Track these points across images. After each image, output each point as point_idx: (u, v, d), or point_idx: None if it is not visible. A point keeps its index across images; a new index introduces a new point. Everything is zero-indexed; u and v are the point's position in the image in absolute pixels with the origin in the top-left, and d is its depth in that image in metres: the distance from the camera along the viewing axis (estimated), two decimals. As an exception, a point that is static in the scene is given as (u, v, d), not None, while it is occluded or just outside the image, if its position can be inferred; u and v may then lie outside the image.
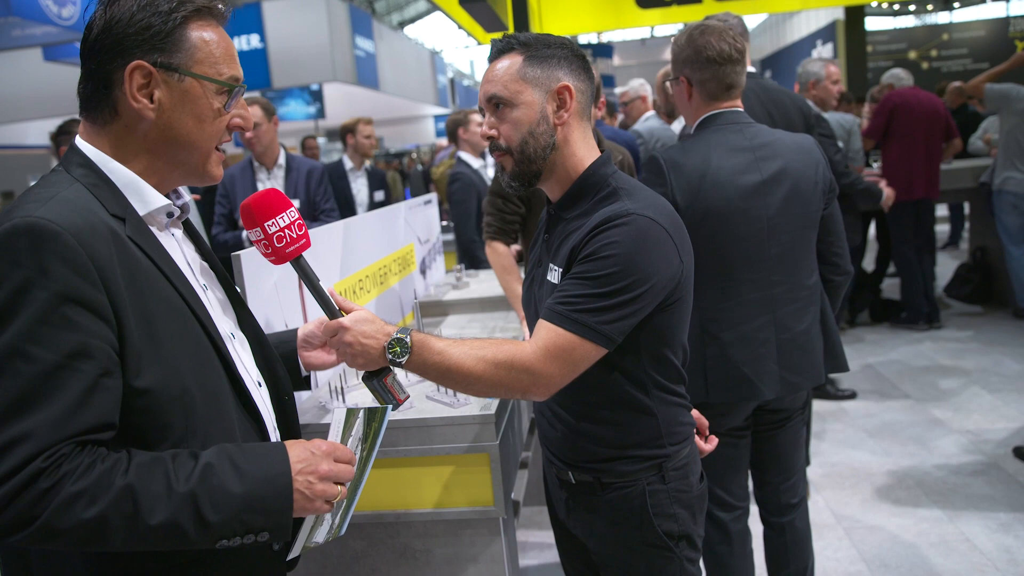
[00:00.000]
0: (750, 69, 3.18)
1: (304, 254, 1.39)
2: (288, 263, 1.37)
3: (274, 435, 1.33)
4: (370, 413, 1.30)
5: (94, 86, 1.16)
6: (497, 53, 1.56)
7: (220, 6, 1.23)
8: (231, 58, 1.23)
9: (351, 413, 1.30)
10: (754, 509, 2.46)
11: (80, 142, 1.19)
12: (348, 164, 5.46)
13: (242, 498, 1.07)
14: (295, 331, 1.60)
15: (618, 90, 5.87)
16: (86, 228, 1.05)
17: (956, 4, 21.86)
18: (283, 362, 1.47)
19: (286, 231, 1.33)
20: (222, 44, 1.21)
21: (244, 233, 3.82)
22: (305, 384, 1.62)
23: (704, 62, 2.17)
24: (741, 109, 2.22)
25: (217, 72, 1.19)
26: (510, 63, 1.53)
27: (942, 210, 8.98)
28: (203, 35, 1.19)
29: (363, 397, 2.09)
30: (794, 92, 3.69)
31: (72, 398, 1.00)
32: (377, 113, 21.84)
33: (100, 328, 1.03)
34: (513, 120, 1.52)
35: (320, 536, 1.23)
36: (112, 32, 1.14)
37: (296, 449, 1.16)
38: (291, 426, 1.39)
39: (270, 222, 1.32)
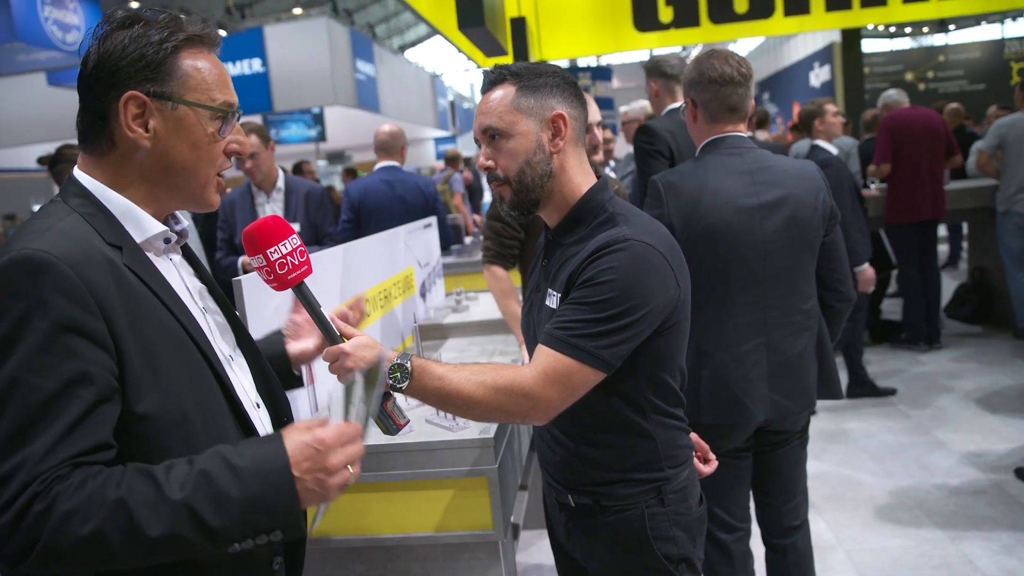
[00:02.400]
0: (675, 105, 3.37)
1: (305, 280, 1.40)
2: (289, 289, 1.39)
3: None
4: (368, 376, 1.27)
5: (91, 118, 1.18)
6: (490, 84, 1.59)
7: (211, 33, 1.25)
8: (224, 84, 1.24)
9: (348, 387, 1.24)
10: (756, 530, 2.46)
11: (78, 173, 1.21)
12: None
13: (240, 501, 1.04)
14: (279, 331, 1.60)
15: (623, 108, 5.94)
16: (82, 258, 1.07)
17: (952, 26, 22.05)
18: (275, 362, 1.46)
19: (288, 258, 1.35)
20: (214, 71, 1.23)
21: (240, 260, 3.84)
22: (298, 382, 1.61)
23: (706, 83, 2.21)
24: (744, 134, 2.25)
25: (210, 98, 1.21)
26: (503, 94, 1.55)
27: (940, 230, 9.01)
28: (195, 63, 1.21)
29: (363, 421, 2.10)
30: None
31: (68, 423, 1.01)
32: (378, 136, 21.97)
33: (99, 356, 1.04)
34: (509, 150, 1.54)
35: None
36: (106, 65, 1.16)
37: (298, 446, 1.10)
38: None
39: (272, 249, 1.34)
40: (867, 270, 4.58)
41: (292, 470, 1.08)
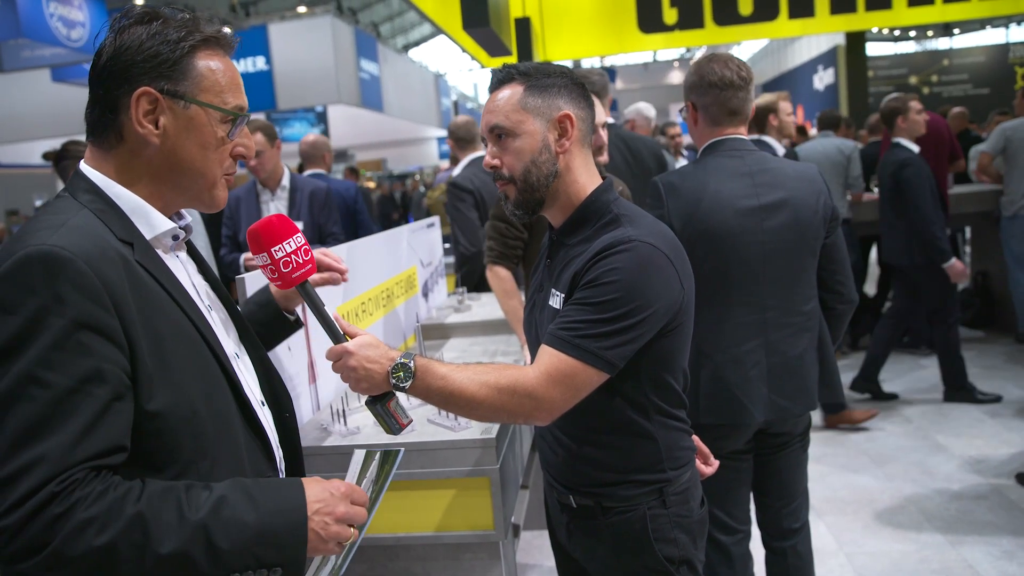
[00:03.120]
0: (608, 119, 3.46)
1: (309, 278, 1.40)
2: (294, 287, 1.39)
3: (278, 452, 1.33)
4: (384, 456, 1.31)
5: (101, 111, 1.19)
6: (498, 83, 1.59)
7: (228, 36, 1.25)
8: (236, 87, 1.25)
9: (369, 455, 1.31)
10: (756, 533, 2.46)
11: (85, 167, 1.21)
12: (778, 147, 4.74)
13: (255, 529, 1.06)
14: (266, 288, 1.64)
15: (628, 112, 5.94)
16: (97, 254, 1.07)
17: (956, 30, 22.05)
18: (268, 318, 1.53)
19: (292, 256, 1.35)
20: (228, 73, 1.23)
21: (241, 257, 3.84)
22: (297, 324, 1.66)
23: (706, 87, 2.22)
24: (744, 136, 2.25)
25: (222, 101, 1.22)
26: (511, 93, 1.55)
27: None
28: (210, 64, 1.21)
29: (365, 420, 2.10)
30: (649, 138, 4.07)
31: (84, 422, 1.00)
32: (381, 135, 22.05)
33: (113, 353, 1.04)
34: (515, 150, 1.54)
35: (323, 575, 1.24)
36: (121, 59, 1.16)
37: (315, 488, 1.16)
38: (293, 444, 1.40)
39: (277, 247, 1.34)
40: (955, 264, 4.61)
41: (307, 510, 1.12)
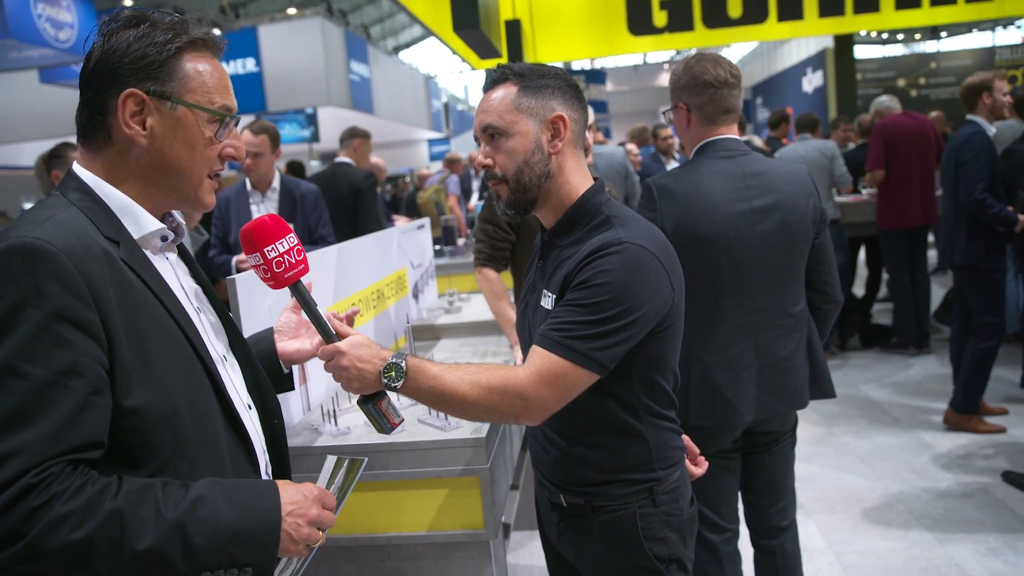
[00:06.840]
0: (345, 159, 3.48)
1: (301, 278, 1.41)
2: (286, 287, 1.40)
3: (263, 457, 1.34)
4: (351, 464, 1.34)
5: (90, 113, 1.19)
6: (492, 83, 1.60)
7: (216, 38, 1.26)
8: (224, 88, 1.25)
9: (339, 461, 1.34)
10: (744, 532, 2.47)
11: (77, 167, 1.22)
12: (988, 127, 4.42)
13: (231, 529, 1.08)
14: (270, 328, 1.61)
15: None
16: (81, 249, 1.07)
17: (943, 33, 22.21)
18: (263, 359, 1.49)
19: (285, 256, 1.36)
20: (215, 75, 1.24)
21: (233, 260, 3.83)
22: (288, 383, 1.61)
23: (701, 87, 2.22)
24: (737, 136, 2.27)
25: (209, 101, 1.22)
26: (505, 93, 1.56)
27: (930, 236, 9.04)
28: (197, 66, 1.22)
29: (355, 420, 2.11)
30: (353, 168, 4.04)
31: (63, 415, 1.01)
32: (371, 137, 21.98)
33: (91, 347, 1.05)
34: (508, 149, 1.55)
35: None
36: (109, 61, 1.17)
37: (289, 490, 1.18)
38: (280, 449, 1.40)
39: (270, 247, 1.35)
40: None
41: (281, 512, 1.14)
